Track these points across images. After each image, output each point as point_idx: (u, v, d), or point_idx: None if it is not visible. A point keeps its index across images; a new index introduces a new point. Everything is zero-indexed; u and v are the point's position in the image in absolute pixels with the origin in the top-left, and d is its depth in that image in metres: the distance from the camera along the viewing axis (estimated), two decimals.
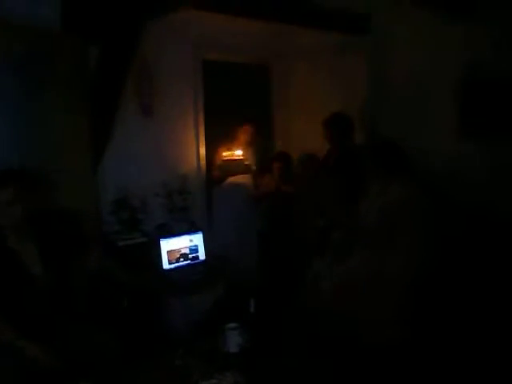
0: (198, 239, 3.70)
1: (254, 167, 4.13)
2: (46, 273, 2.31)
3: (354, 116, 3.79)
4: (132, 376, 2.15)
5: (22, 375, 2.11)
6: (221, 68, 4.38)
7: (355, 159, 3.49)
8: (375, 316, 2.54)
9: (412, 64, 3.64)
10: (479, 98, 3.22)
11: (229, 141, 4.12)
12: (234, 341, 2.34)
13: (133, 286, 2.58)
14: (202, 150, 4.26)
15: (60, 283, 2.34)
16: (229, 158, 4.02)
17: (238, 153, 4.02)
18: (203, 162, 4.27)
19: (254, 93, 4.69)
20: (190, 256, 3.64)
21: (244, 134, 4.15)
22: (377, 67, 3.94)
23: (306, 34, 4.04)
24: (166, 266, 3.48)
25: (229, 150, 4.03)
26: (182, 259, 3.57)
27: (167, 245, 3.53)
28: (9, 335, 2.13)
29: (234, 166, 4.02)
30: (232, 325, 2.37)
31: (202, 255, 3.70)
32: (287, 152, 4.18)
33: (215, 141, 4.20)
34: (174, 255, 3.54)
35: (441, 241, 2.69)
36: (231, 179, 4.08)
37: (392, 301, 2.56)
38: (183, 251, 3.59)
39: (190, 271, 3.52)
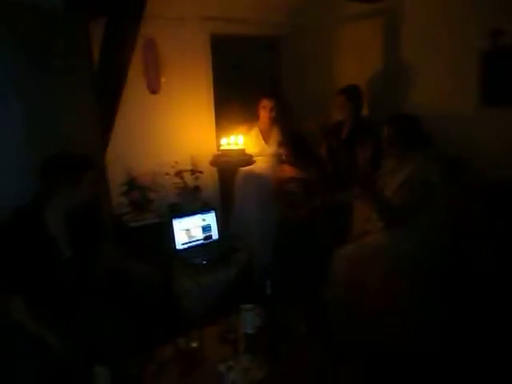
0: (210, 218, 3.64)
1: (254, 158, 3.76)
2: (75, 257, 2.33)
3: (364, 88, 3.73)
4: (147, 359, 2.11)
5: (37, 361, 2.11)
6: (230, 42, 4.24)
7: (370, 132, 3.41)
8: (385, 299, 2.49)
9: (430, 32, 3.49)
10: (501, 66, 3.11)
11: (248, 120, 3.92)
12: (250, 322, 2.29)
13: (142, 271, 2.54)
14: (213, 128, 4.15)
15: (86, 268, 2.37)
16: (227, 148, 3.66)
17: (239, 141, 3.69)
18: (214, 139, 4.13)
19: (264, 67, 4.55)
20: (203, 235, 3.59)
21: (263, 110, 3.86)
22: (392, 37, 3.80)
23: (317, 4, 3.91)
24: (178, 246, 3.43)
25: (233, 134, 3.69)
26: (194, 239, 3.53)
27: (180, 224, 3.47)
28: (29, 321, 2.13)
29: (233, 158, 3.65)
30: (248, 306, 2.31)
31: (215, 234, 3.64)
32: (297, 133, 3.94)
33: (226, 117, 4.09)
34: (186, 235, 3.50)
35: (457, 222, 2.62)
36: (250, 166, 3.79)
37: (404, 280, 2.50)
38: (196, 231, 3.55)
39: (204, 251, 3.47)
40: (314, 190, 3.63)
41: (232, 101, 4.12)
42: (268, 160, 3.91)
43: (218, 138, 4.02)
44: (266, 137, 3.94)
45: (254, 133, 3.94)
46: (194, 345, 2.18)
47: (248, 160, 3.72)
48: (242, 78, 4.27)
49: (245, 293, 2.63)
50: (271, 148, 3.91)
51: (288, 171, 3.76)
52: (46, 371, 2.11)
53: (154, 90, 3.70)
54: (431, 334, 2.35)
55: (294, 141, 3.78)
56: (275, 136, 3.92)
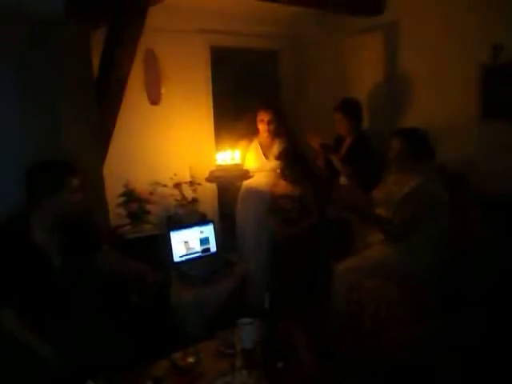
0: (208, 231, 3.61)
1: (251, 173, 3.58)
2: (65, 267, 2.28)
3: (365, 101, 3.70)
4: (142, 375, 2.06)
5: (32, 373, 2.08)
6: (230, 55, 4.25)
7: (370, 147, 3.40)
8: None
9: (430, 46, 3.50)
10: (501, 81, 3.11)
11: (248, 132, 3.79)
12: (247, 337, 2.24)
13: (141, 283, 2.50)
14: (212, 139, 4.14)
15: (76, 278, 2.32)
16: (223, 164, 3.45)
17: (236, 156, 3.49)
18: (213, 151, 4.07)
19: (263, 80, 4.56)
20: (201, 248, 3.55)
21: (261, 123, 3.69)
22: (392, 50, 3.81)
23: (317, 16, 3.92)
24: (176, 258, 3.40)
25: (229, 148, 3.50)
26: (192, 251, 3.49)
27: (177, 237, 3.44)
28: (22, 332, 2.11)
29: (229, 173, 3.46)
30: (246, 320, 2.27)
31: (213, 247, 3.61)
32: (293, 147, 3.77)
33: (225, 129, 4.08)
34: (184, 247, 3.47)
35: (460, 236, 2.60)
36: (249, 181, 3.69)
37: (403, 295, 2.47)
38: (194, 243, 3.51)
39: (202, 264, 3.43)
40: (309, 207, 3.55)
41: (232, 112, 4.13)
42: (268, 175, 3.78)
43: (217, 149, 3.97)
44: (265, 151, 3.80)
45: (254, 147, 3.82)
46: (191, 360, 2.14)
47: (244, 175, 3.54)
48: (242, 90, 4.29)
49: (243, 306, 2.58)
50: (271, 163, 3.76)
51: (282, 187, 3.64)
52: (38, 381, 2.08)
53: (153, 101, 3.71)
54: (433, 346, 2.31)
55: (289, 155, 3.63)
56: (275, 150, 3.77)
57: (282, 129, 3.80)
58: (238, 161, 3.53)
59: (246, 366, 2.10)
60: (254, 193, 3.79)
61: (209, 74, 4.10)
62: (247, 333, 2.25)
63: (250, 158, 3.77)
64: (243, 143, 3.79)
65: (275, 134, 3.75)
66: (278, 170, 3.68)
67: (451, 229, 2.61)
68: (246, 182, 3.76)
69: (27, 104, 2.77)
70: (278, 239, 3.61)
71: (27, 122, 2.78)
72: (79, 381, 1.95)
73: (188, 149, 3.95)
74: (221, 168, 3.49)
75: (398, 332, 2.37)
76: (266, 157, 3.79)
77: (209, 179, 3.56)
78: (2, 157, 2.67)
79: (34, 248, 2.22)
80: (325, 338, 2.39)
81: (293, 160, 3.58)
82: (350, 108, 3.58)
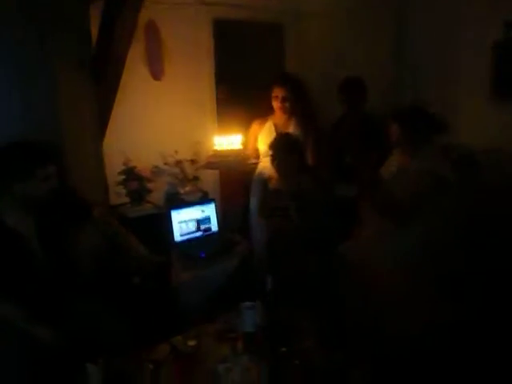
0: (210, 210, 3.54)
1: (253, 161, 3.30)
2: (44, 247, 2.19)
3: (371, 79, 3.54)
4: (142, 358, 2.03)
5: (27, 356, 2.04)
6: (233, 27, 4.10)
7: (375, 127, 3.28)
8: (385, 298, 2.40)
9: (441, 23, 3.38)
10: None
11: (262, 113, 3.44)
12: (250, 320, 2.21)
13: (142, 262, 2.45)
14: (214, 116, 4.02)
15: (60, 258, 2.23)
16: (221, 148, 3.17)
17: (237, 140, 3.21)
18: (216, 128, 3.99)
19: (267, 56, 4.39)
20: (203, 227, 3.49)
21: (275, 100, 3.32)
22: (400, 24, 3.68)
23: None
24: (177, 238, 3.34)
25: (224, 134, 3.21)
26: (193, 231, 3.43)
27: (178, 216, 3.38)
28: (16, 315, 2.06)
29: (228, 159, 3.19)
30: (248, 303, 2.22)
31: (214, 226, 3.55)
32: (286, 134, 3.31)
33: (228, 106, 3.96)
34: (185, 227, 3.41)
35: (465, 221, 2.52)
36: (263, 166, 3.39)
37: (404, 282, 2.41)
38: (195, 222, 3.45)
39: (203, 243, 3.38)
40: (308, 205, 3.04)
41: (235, 88, 3.97)
42: None
43: (219, 127, 3.86)
44: (278, 132, 3.40)
45: (268, 127, 3.44)
46: (192, 343, 2.10)
47: (245, 161, 3.29)
48: (246, 65, 4.12)
49: (245, 288, 2.54)
50: None
51: (275, 183, 3.23)
52: (36, 367, 2.05)
53: (155, 76, 3.56)
54: (439, 330, 2.27)
55: (283, 143, 3.14)
56: (292, 131, 3.37)
57: (300, 106, 3.39)
58: (237, 145, 3.29)
59: (248, 351, 2.06)
60: (263, 180, 3.43)
61: (211, 47, 3.95)
62: (249, 316, 2.21)
63: (262, 140, 3.42)
64: (256, 123, 3.47)
65: (292, 112, 3.38)
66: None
67: (457, 211, 2.54)
68: (260, 166, 3.48)
69: (23, 81, 2.69)
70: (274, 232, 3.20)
71: (23, 100, 2.70)
72: (78, 362, 1.92)
73: (190, 126, 3.83)
74: (219, 154, 3.26)
75: (404, 316, 2.32)
76: None
77: (205, 166, 3.38)
78: None
79: (9, 231, 2.12)
80: (328, 322, 2.35)
81: (287, 149, 3.09)
82: (352, 86, 3.45)
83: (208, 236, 3.49)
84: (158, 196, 3.59)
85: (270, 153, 3.14)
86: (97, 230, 2.56)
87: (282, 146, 3.10)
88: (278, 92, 3.32)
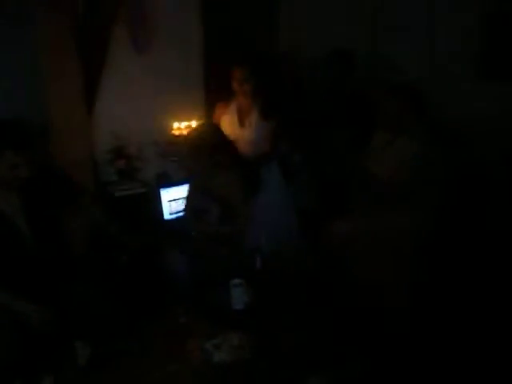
0: None
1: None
2: (31, 226, 2.15)
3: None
4: (132, 336, 2.03)
5: (16, 335, 2.03)
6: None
7: (362, 104, 3.23)
8: (376, 276, 2.42)
9: None
10: (503, 35, 2.95)
11: (225, 96, 3.16)
12: (238, 298, 2.22)
13: (130, 241, 2.43)
14: (202, 92, 3.89)
15: (48, 238, 2.19)
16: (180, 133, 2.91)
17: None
18: (204, 104, 3.81)
19: (259, 27, 4.03)
20: None
21: (235, 83, 3.02)
22: None
23: None
24: (166, 216, 3.33)
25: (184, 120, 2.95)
26: (183, 209, 3.42)
27: (167, 194, 3.36)
28: (3, 295, 2.02)
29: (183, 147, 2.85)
30: (237, 281, 2.23)
31: None
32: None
33: (217, 82, 3.83)
34: (174, 205, 3.39)
35: (453, 199, 2.53)
36: None
37: (398, 261, 2.43)
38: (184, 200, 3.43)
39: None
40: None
41: (225, 63, 3.75)
42: (242, 148, 2.96)
43: (208, 103, 3.75)
44: (243, 117, 3.11)
45: (231, 111, 3.14)
46: (181, 320, 2.11)
47: (228, 144, 2.78)
48: (234, 35, 3.89)
49: (234, 266, 2.54)
50: (246, 132, 3.08)
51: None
52: (25, 345, 2.04)
53: (140, 49, 3.43)
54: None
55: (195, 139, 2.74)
56: (253, 117, 3.08)
57: (263, 90, 3.05)
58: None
59: (237, 328, 2.07)
60: None
61: (199, 18, 3.78)
62: (238, 294, 2.22)
63: (223, 126, 3.05)
64: (219, 106, 3.18)
65: (252, 96, 3.06)
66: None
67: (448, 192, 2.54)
68: None
69: (7, 55, 2.64)
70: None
71: (7, 75, 2.66)
72: (67, 341, 1.92)
73: (179, 102, 3.64)
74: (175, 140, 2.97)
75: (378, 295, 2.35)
76: (242, 124, 3.11)
77: (161, 154, 3.09)
78: None
79: None
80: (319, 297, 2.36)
81: (221, 144, 2.70)
82: (339, 61, 3.32)
83: None
84: (146, 175, 3.55)
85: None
86: (85, 211, 2.53)
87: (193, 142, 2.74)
88: (236, 73, 3.01)
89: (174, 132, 3.05)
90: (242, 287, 2.23)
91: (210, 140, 2.65)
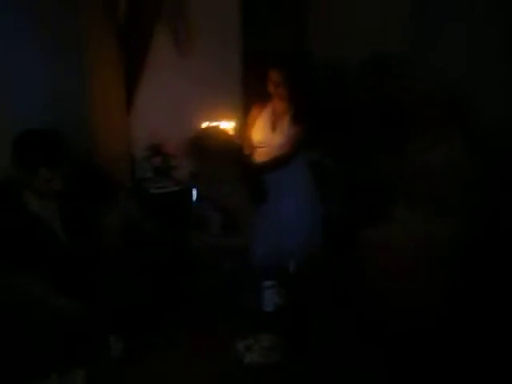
0: None
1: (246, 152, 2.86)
2: (66, 228, 2.21)
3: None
4: (164, 332, 2.05)
5: (51, 328, 2.08)
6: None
7: (399, 109, 3.16)
8: (409, 284, 2.37)
9: None
10: None
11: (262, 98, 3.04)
12: (270, 300, 2.22)
13: (164, 238, 2.45)
14: (240, 92, 3.92)
15: (83, 240, 2.25)
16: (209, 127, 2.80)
17: (227, 126, 2.85)
18: (242, 104, 3.84)
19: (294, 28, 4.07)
20: None
21: (271, 85, 2.92)
22: None
23: None
24: None
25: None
26: None
27: None
28: (39, 289, 2.08)
29: (212, 146, 2.62)
30: (269, 283, 2.23)
31: None
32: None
33: (255, 82, 3.82)
34: None
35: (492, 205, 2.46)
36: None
37: (433, 269, 2.37)
38: None
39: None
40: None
41: (263, 63, 3.69)
42: (271, 154, 2.93)
43: (245, 104, 3.70)
44: (275, 122, 2.99)
45: (266, 114, 3.03)
46: (212, 319, 2.12)
47: (233, 151, 2.70)
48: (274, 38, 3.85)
49: (266, 268, 2.54)
50: (277, 138, 2.95)
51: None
52: (60, 338, 2.09)
53: (183, 52, 3.50)
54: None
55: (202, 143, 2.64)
56: (285, 122, 2.95)
57: (300, 94, 2.92)
58: (229, 129, 2.87)
59: (267, 330, 2.07)
60: None
61: (239, 22, 3.84)
62: (269, 296, 2.22)
63: (257, 128, 3.01)
64: (256, 108, 3.06)
65: (288, 100, 2.94)
66: None
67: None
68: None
69: (52, 48, 2.70)
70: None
71: (51, 68, 2.72)
72: (101, 335, 1.95)
73: (217, 103, 3.62)
74: (203, 137, 2.70)
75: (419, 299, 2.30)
76: (274, 129, 2.98)
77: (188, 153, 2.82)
78: (21, 107, 2.60)
79: (31, 217, 2.13)
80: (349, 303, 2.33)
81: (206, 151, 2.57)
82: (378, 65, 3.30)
83: None
84: (181, 173, 3.58)
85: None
86: (121, 207, 2.57)
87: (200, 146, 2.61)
88: (272, 75, 2.91)
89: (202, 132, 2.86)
90: (274, 289, 2.22)
91: (214, 145, 2.56)
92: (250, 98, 3.61)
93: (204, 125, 2.83)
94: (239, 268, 2.49)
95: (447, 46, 3.21)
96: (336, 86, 3.69)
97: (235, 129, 2.86)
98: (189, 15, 3.45)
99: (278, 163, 2.92)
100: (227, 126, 2.80)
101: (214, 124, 2.68)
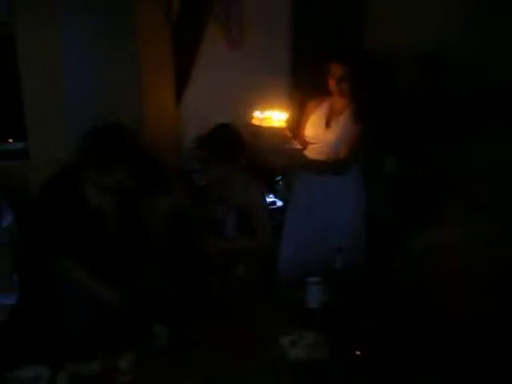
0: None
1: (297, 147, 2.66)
2: (119, 219, 2.26)
3: None
4: (207, 325, 2.06)
5: (93, 314, 2.14)
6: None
7: (459, 107, 3.07)
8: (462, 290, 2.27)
9: None
10: None
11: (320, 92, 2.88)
12: (314, 296, 2.18)
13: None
14: (289, 84, 3.90)
15: (133, 228, 2.29)
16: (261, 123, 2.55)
17: (279, 116, 2.55)
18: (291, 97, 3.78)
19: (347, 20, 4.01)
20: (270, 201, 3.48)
21: (332, 79, 2.75)
22: None
23: None
24: None
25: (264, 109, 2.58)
26: None
27: None
28: (81, 275, 2.16)
29: (264, 139, 2.53)
30: (314, 279, 2.20)
31: (279, 201, 3.54)
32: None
33: (305, 74, 3.77)
34: None
35: None
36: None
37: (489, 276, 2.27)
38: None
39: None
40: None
41: (313, 54, 3.61)
42: (323, 151, 2.80)
43: (294, 96, 3.62)
44: (330, 118, 2.85)
45: (323, 109, 2.89)
46: (256, 313, 2.11)
47: (285, 145, 2.57)
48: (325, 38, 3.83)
49: (311, 263, 2.52)
50: (330, 135, 2.79)
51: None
52: (106, 323, 2.14)
53: (234, 45, 3.50)
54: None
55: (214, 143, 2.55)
56: (342, 119, 2.81)
57: (361, 90, 2.76)
58: (282, 122, 2.60)
59: (311, 327, 2.04)
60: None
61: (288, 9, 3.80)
62: (314, 292, 2.19)
63: (311, 124, 2.87)
64: (312, 103, 2.94)
65: (351, 96, 2.79)
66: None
67: None
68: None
69: (107, 38, 2.74)
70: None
71: (107, 56, 2.76)
72: (146, 323, 1.97)
73: (267, 97, 3.64)
74: (255, 130, 2.57)
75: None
76: (328, 125, 2.84)
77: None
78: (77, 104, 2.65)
79: (90, 210, 2.18)
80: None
81: (218, 154, 2.49)
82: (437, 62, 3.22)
83: (272, 210, 3.47)
84: None
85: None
86: (171, 197, 2.59)
87: (212, 148, 2.51)
88: (334, 70, 2.75)
89: (253, 122, 2.65)
90: (319, 286, 2.19)
91: (226, 142, 2.52)
92: (299, 90, 3.60)
93: (256, 113, 2.61)
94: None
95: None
96: (395, 82, 3.59)
97: (287, 121, 2.76)
98: (242, 8, 3.44)
99: (339, 167, 2.81)
100: (280, 116, 2.55)
101: (267, 114, 2.53)
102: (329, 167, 2.79)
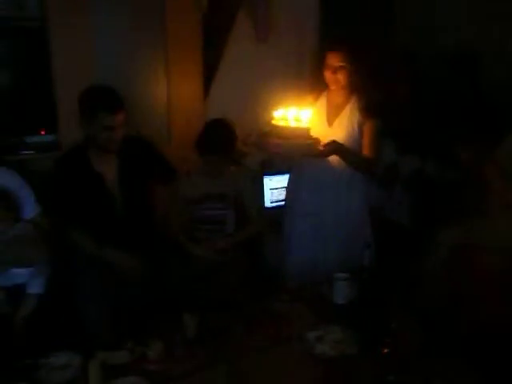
0: None
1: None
2: (124, 192, 2.33)
3: None
4: (233, 316, 2.07)
5: (117, 303, 2.17)
6: None
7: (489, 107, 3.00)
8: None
9: None
10: None
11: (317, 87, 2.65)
12: (342, 292, 2.18)
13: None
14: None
15: (140, 206, 2.38)
16: (281, 124, 2.40)
17: (303, 116, 2.37)
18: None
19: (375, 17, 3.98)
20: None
21: (328, 71, 2.47)
22: None
23: None
24: (267, 203, 3.36)
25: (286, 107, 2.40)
26: (283, 198, 3.41)
27: (270, 182, 3.39)
28: (93, 246, 2.25)
29: (288, 140, 2.36)
30: (341, 275, 2.19)
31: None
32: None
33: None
34: (276, 193, 3.41)
35: None
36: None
37: None
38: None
39: None
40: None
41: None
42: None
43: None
44: (332, 113, 2.59)
45: (320, 106, 2.63)
46: (284, 307, 2.11)
47: (310, 146, 2.39)
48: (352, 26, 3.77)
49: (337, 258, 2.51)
50: (334, 132, 2.53)
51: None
52: (135, 311, 2.17)
53: (262, 38, 3.48)
54: None
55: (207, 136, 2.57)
56: (346, 115, 2.55)
57: (363, 83, 2.49)
58: (304, 123, 2.40)
59: (338, 323, 2.03)
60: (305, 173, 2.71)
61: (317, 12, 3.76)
62: (341, 288, 2.18)
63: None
64: (309, 98, 2.65)
65: (349, 89, 2.53)
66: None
67: None
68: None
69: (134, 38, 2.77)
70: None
71: (134, 59, 2.79)
72: (176, 313, 1.99)
73: (292, 92, 3.68)
74: (277, 131, 2.42)
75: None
76: (330, 122, 2.59)
77: (258, 145, 2.69)
78: None
79: (94, 174, 2.28)
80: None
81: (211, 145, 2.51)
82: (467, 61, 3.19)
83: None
84: (251, 160, 3.57)
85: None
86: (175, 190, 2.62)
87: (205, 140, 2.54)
88: (330, 59, 2.45)
89: (273, 121, 2.51)
90: (346, 282, 2.18)
91: (221, 136, 2.54)
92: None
93: (279, 111, 2.48)
94: None
95: None
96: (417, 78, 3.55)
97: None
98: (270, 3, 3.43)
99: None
100: (304, 113, 2.39)
101: (291, 110, 2.45)
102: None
